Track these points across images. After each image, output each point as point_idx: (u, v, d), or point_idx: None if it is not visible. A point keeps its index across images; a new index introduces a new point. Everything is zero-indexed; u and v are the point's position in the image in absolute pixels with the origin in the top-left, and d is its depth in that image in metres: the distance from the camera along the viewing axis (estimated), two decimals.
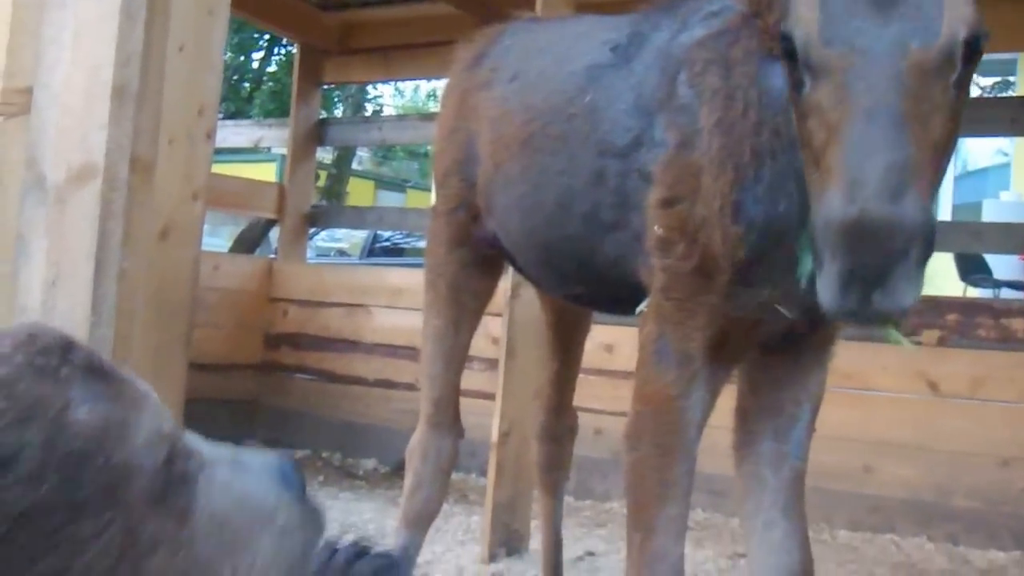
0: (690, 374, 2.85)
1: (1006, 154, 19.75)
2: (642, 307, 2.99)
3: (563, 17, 5.22)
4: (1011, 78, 19.66)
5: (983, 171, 21.72)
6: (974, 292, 12.80)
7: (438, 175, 4.02)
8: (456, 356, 4.06)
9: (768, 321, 2.90)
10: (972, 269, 12.56)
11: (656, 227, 2.88)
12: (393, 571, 1.59)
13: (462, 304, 4.02)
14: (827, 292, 2.07)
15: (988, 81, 22.96)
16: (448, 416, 4.09)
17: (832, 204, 2.00)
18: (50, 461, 1.21)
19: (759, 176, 2.69)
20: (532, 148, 3.43)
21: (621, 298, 3.20)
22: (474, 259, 3.95)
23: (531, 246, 3.59)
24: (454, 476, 7.17)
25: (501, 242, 3.76)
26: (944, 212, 16.95)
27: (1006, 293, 12.17)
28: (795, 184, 2.66)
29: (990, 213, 14.25)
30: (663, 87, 2.97)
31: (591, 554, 5.89)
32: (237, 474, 1.49)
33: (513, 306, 5.70)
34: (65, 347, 1.33)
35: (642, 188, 2.98)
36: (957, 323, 6.40)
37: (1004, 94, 20.80)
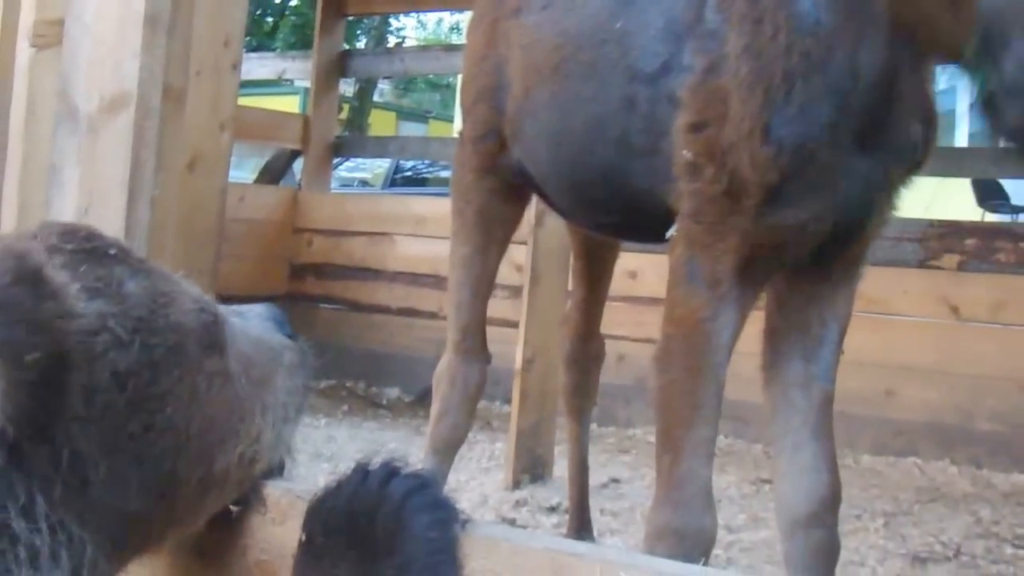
0: (719, 296, 2.86)
1: None
2: (672, 231, 3.00)
3: None
4: None
5: None
6: (992, 218, 12.74)
7: (466, 102, 4.02)
8: (484, 283, 4.08)
9: (797, 242, 2.90)
10: (989, 195, 12.51)
11: (684, 151, 2.89)
12: (425, 491, 1.63)
13: (490, 231, 4.03)
14: None
15: None
16: (476, 343, 4.11)
17: None
18: (127, 326, 1.32)
19: (789, 99, 2.71)
20: (562, 74, 3.43)
21: (650, 226, 3.21)
22: (502, 187, 3.95)
23: (560, 174, 3.60)
24: (479, 404, 7.26)
25: (528, 171, 3.76)
26: (960, 138, 16.80)
27: None
28: (826, 105, 2.70)
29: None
30: (691, 12, 2.97)
31: (615, 480, 5.94)
32: (243, 321, 1.64)
33: (537, 234, 5.73)
34: (99, 236, 1.45)
35: (671, 114, 2.97)
36: (976, 247, 6.41)
37: None
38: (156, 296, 1.41)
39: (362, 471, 1.64)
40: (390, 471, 1.65)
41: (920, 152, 2.96)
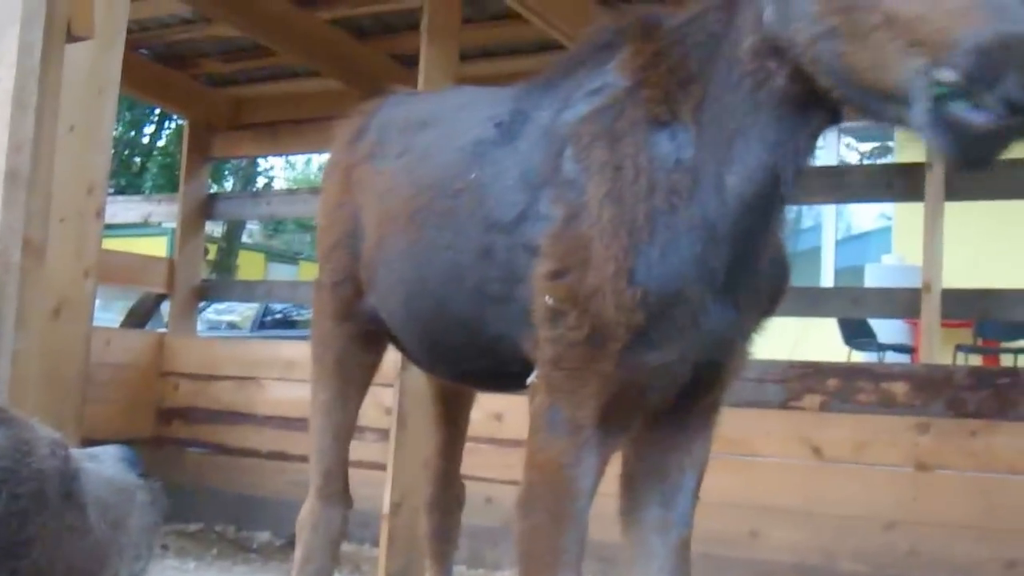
0: (581, 442, 2.88)
1: (888, 217, 20.10)
2: (532, 378, 3.02)
3: (441, 89, 5.33)
4: (890, 143, 20.05)
5: (865, 235, 22.04)
6: (859, 356, 12.98)
7: (323, 248, 4.06)
8: (344, 428, 4.10)
9: (660, 385, 2.93)
10: (856, 333, 12.73)
11: (547, 298, 2.91)
12: None
13: (349, 377, 4.07)
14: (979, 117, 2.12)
15: (867, 147, 23.45)
16: (337, 487, 4.11)
17: (977, 29, 2.07)
18: None
19: (652, 240, 2.76)
20: (418, 223, 3.46)
21: (505, 374, 3.25)
22: (360, 332, 3.98)
23: (414, 322, 3.63)
24: (347, 547, 7.20)
25: (383, 319, 3.79)
26: (826, 277, 17.16)
27: (891, 356, 12.35)
28: (690, 243, 2.76)
29: (873, 277, 14.49)
30: (548, 163, 3.03)
31: None
32: (97, 465, 1.66)
33: (404, 377, 5.76)
34: None
35: (528, 262, 3.02)
36: (838, 388, 6.51)
37: (883, 159, 21.31)
38: (19, 445, 1.44)
39: None
40: None
41: (776, 294, 3.05)
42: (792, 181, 2.72)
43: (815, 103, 2.60)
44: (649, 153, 2.82)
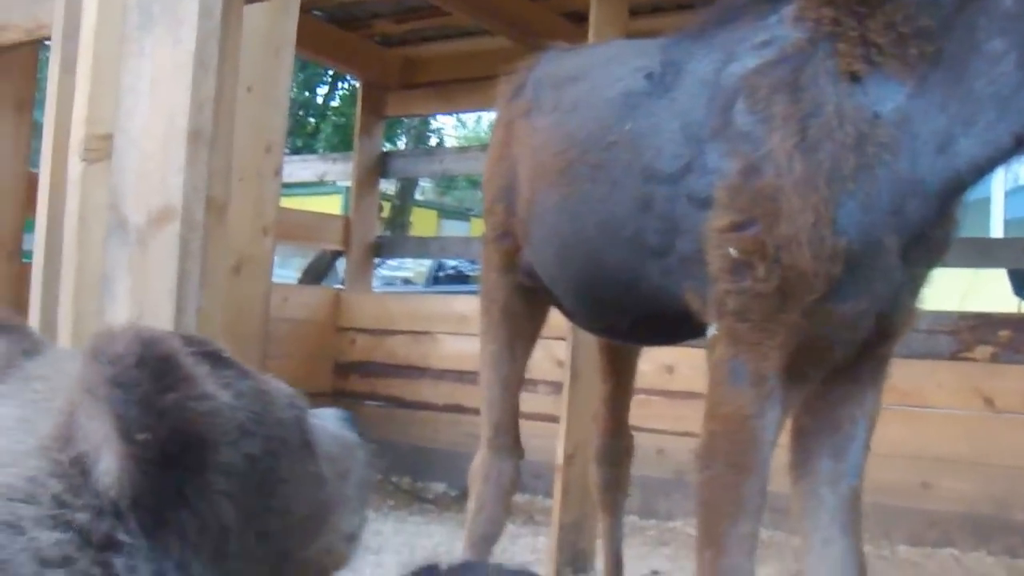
0: (765, 394, 2.87)
1: None
2: (712, 330, 3.01)
3: (592, 44, 5.34)
4: None
5: None
6: None
7: (486, 202, 4.12)
8: (513, 380, 4.16)
9: (848, 337, 2.93)
10: None
11: (730, 250, 2.90)
12: None
13: (515, 329, 4.13)
14: None
15: None
16: (508, 438, 4.18)
17: None
18: (250, 418, 1.46)
19: (855, 190, 2.74)
20: (569, 177, 3.49)
21: (662, 327, 3.26)
22: (524, 284, 4.03)
23: (567, 276, 3.67)
24: (521, 498, 7.28)
25: (537, 273, 3.84)
26: (995, 228, 16.68)
27: None
28: (896, 194, 2.75)
29: None
30: (716, 116, 3.02)
31: (656, 572, 5.94)
32: (322, 421, 1.75)
33: (576, 329, 5.79)
34: (212, 342, 1.60)
35: (693, 214, 3.02)
36: (1010, 339, 6.41)
37: None
38: (262, 394, 1.54)
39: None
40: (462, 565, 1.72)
41: (944, 246, 3.02)
42: None
43: None
44: (843, 105, 2.79)
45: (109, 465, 1.28)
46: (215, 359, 1.51)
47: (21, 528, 1.28)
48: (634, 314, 3.50)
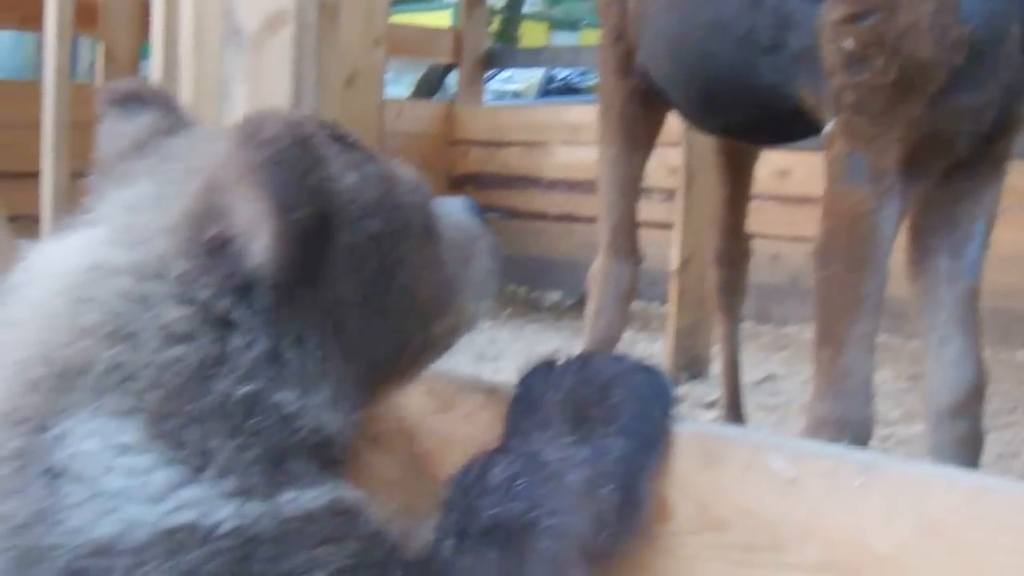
0: (883, 189, 2.82)
1: None
2: (828, 128, 2.95)
3: None
4: None
5: None
6: None
7: (601, 4, 4.07)
8: (631, 183, 4.15)
9: (970, 130, 2.86)
10: None
11: (846, 43, 2.81)
12: (643, 363, 1.71)
13: (633, 133, 4.08)
14: None
15: None
16: (626, 242, 4.19)
17: None
18: (374, 198, 1.51)
19: None
20: None
21: (776, 126, 3.22)
22: (640, 88, 3.96)
23: (680, 76, 3.61)
24: (636, 305, 7.32)
25: (650, 74, 3.78)
26: None
27: None
28: None
29: None
30: None
31: (771, 377, 6.00)
32: (446, 207, 1.78)
33: (689, 134, 5.75)
34: (339, 126, 1.64)
35: (805, 7, 2.95)
36: None
37: None
38: (388, 178, 1.56)
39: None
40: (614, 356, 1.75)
41: None
42: None
43: None
44: None
45: (262, 243, 1.34)
46: (344, 142, 1.54)
47: (149, 304, 1.37)
48: (748, 113, 3.46)
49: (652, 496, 1.59)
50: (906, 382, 5.87)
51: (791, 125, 3.22)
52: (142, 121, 1.67)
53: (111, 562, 1.27)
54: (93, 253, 1.44)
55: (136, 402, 1.33)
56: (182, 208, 1.42)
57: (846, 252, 2.91)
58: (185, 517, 1.30)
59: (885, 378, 5.85)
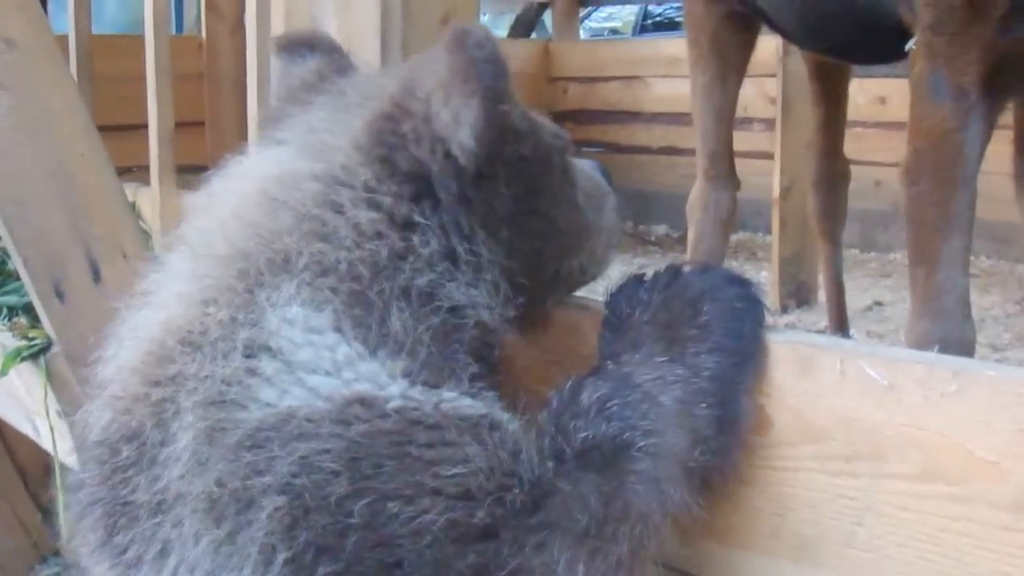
0: (967, 107, 2.80)
1: None
2: (911, 44, 2.96)
3: None
4: None
5: None
6: None
7: None
8: (725, 109, 4.16)
9: None
10: None
11: None
12: (735, 276, 1.71)
13: (725, 58, 4.09)
14: None
15: None
16: (723, 169, 4.21)
17: None
18: (525, 127, 1.63)
19: None
20: None
21: (878, 44, 3.20)
22: (731, 13, 3.99)
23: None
24: (742, 235, 7.33)
25: None
26: None
27: None
28: None
29: None
30: None
31: (878, 304, 5.97)
32: (579, 165, 1.87)
33: (786, 63, 5.72)
34: None
35: None
36: None
37: None
38: (532, 120, 1.67)
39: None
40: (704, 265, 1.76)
41: None
42: None
43: None
44: None
45: (467, 132, 1.49)
46: None
47: (342, 207, 1.53)
48: (851, 31, 3.47)
49: (750, 410, 1.60)
50: (1015, 306, 5.82)
51: (894, 43, 3.19)
52: (312, 64, 1.86)
53: (291, 430, 1.38)
54: (284, 164, 1.61)
55: (329, 293, 1.48)
56: (359, 127, 1.58)
57: (933, 170, 2.89)
58: (360, 388, 1.43)
59: (993, 303, 5.81)
